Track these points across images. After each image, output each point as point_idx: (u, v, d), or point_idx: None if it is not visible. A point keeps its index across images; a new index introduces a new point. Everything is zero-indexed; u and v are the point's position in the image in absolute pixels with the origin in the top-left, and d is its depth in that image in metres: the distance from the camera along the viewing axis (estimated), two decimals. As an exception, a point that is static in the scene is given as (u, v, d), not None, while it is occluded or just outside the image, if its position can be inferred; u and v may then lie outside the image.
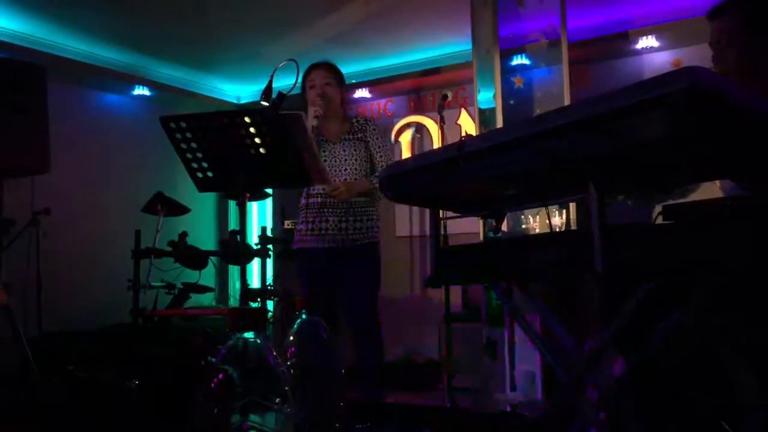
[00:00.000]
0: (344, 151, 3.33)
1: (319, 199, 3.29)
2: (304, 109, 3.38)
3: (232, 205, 7.07)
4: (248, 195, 2.47)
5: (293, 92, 2.80)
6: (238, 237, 2.55)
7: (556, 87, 4.49)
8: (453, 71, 5.71)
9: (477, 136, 1.94)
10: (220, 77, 6.47)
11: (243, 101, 6.92)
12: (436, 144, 5.77)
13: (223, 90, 6.79)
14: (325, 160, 3.30)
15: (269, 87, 2.79)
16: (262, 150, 2.40)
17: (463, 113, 5.84)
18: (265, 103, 2.73)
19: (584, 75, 5.30)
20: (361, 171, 3.34)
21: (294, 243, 3.38)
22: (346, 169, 3.31)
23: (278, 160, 2.41)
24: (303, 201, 3.38)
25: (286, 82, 2.93)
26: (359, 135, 3.37)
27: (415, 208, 5.93)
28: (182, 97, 6.42)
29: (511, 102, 4.59)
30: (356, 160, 3.32)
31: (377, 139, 3.39)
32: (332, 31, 5.36)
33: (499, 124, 4.46)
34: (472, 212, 2.29)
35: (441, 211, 2.34)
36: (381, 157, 3.37)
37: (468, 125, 5.78)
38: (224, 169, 2.49)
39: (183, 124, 2.42)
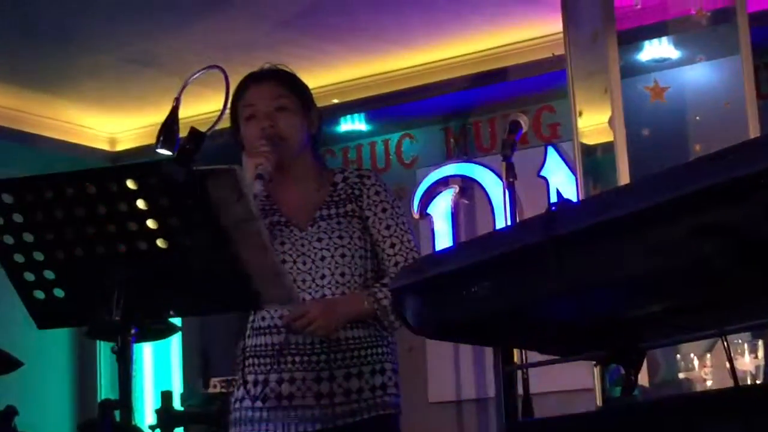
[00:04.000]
0: (320, 240, 3.33)
1: (274, 338, 3.29)
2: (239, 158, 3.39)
3: (104, 351, 7.04)
4: (135, 332, 2.45)
5: (220, 127, 2.77)
6: (117, 413, 2.53)
7: (730, 97, 4.55)
8: (528, 75, 5.80)
9: (582, 201, 2.01)
10: (79, 104, 6.56)
11: (122, 148, 6.99)
12: (502, 219, 5.84)
13: (86, 127, 6.88)
14: (284, 261, 3.29)
15: (172, 119, 2.80)
16: (160, 243, 2.42)
17: (552, 156, 5.93)
18: (164, 152, 2.77)
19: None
20: (355, 276, 3.34)
21: (231, 422, 3.36)
22: (323, 275, 3.30)
23: (193, 263, 2.43)
24: (247, 340, 3.36)
25: (204, 108, 2.96)
26: (348, 206, 3.38)
27: (465, 348, 5.90)
28: (8, 142, 6.51)
29: (645, 132, 4.68)
30: (344, 255, 3.32)
31: (384, 210, 3.40)
32: (291, 6, 5.48)
33: (624, 175, 4.50)
34: (576, 352, 2.31)
35: (516, 351, 2.36)
36: (394, 245, 3.37)
37: (561, 179, 5.84)
38: (87, 283, 2.50)
39: (7, 198, 2.43)
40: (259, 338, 3.30)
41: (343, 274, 3.30)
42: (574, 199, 4.76)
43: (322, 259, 3.30)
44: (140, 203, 2.39)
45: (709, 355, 4.34)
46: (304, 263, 3.30)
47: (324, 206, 3.37)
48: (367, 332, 3.32)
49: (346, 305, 3.27)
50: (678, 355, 4.35)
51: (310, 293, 3.28)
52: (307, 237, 3.33)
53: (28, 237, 2.46)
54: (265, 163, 3.20)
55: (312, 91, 3.49)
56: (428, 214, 6.25)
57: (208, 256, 2.42)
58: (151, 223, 2.40)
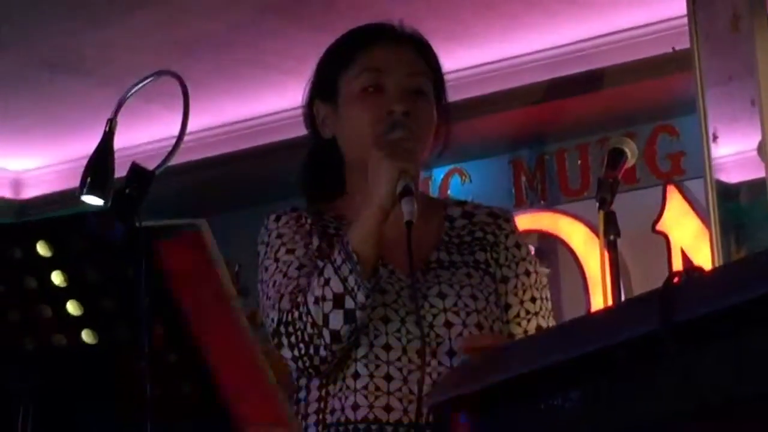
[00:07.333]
0: (443, 296, 3.17)
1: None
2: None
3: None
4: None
5: (175, 162, 2.89)
6: None
7: None
8: (635, 81, 5.83)
9: (718, 269, 2.10)
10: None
11: (31, 194, 7.30)
12: (599, 296, 5.72)
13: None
14: (386, 318, 3.13)
15: (104, 152, 2.84)
16: (86, 337, 2.43)
17: (674, 200, 5.92)
18: (92, 200, 2.81)
19: None
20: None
21: None
22: (451, 351, 3.12)
23: (135, 366, 2.40)
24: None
25: (152, 134, 2.89)
26: (479, 255, 3.29)
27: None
28: None
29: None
30: (480, 325, 3.18)
31: (528, 274, 3.33)
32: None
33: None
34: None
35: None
36: (540, 328, 3.33)
37: (687, 234, 5.80)
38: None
39: None
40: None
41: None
42: (707, 266, 4.70)
43: (449, 325, 3.16)
44: (56, 277, 2.40)
45: None
46: (418, 326, 3.10)
47: (442, 247, 3.29)
48: None
49: None
50: None
51: (429, 373, 3.08)
52: (422, 289, 3.17)
53: None
54: (413, 171, 3.04)
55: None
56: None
57: (159, 356, 2.44)
58: (72, 307, 2.41)
